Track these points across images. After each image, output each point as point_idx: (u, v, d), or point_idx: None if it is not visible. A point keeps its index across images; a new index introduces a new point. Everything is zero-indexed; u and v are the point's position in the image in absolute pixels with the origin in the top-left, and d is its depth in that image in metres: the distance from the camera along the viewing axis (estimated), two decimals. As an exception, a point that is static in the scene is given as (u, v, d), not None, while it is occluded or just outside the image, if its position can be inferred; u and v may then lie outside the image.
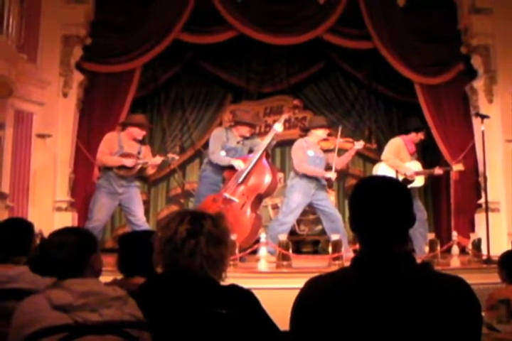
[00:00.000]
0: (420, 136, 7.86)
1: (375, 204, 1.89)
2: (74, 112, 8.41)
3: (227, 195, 7.30)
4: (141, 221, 7.25)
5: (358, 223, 1.93)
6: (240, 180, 7.32)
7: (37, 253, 2.46)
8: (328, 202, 7.77)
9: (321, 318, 1.78)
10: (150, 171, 7.47)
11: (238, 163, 7.35)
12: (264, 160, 7.45)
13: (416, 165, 7.77)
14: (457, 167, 7.97)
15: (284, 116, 7.73)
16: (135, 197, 7.34)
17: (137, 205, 7.34)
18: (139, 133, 7.39)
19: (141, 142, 7.57)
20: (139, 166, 7.23)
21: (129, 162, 7.15)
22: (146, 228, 6.97)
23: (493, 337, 3.00)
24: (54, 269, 2.41)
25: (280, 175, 10.04)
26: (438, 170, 7.86)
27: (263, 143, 7.48)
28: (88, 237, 2.56)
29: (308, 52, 9.90)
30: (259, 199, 7.54)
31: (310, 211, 8.43)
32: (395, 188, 1.94)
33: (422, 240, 7.38)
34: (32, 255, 2.50)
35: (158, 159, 7.31)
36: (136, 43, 8.63)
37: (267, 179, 7.36)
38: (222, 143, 7.54)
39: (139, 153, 7.34)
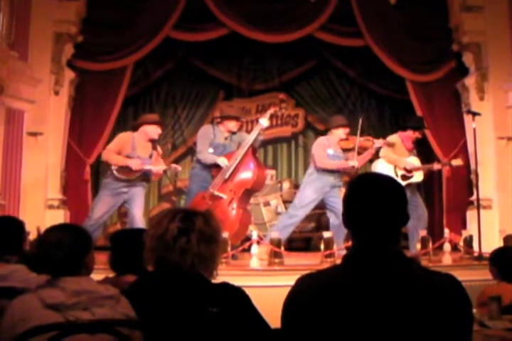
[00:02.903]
0: (417, 134, 7.80)
1: (369, 202, 1.88)
2: (65, 110, 8.39)
3: (214, 191, 7.30)
4: (137, 219, 7.12)
5: (352, 220, 1.93)
6: (227, 176, 7.32)
7: (34, 250, 2.46)
8: (339, 200, 7.76)
9: (312, 315, 1.78)
10: (152, 178, 7.32)
11: (222, 161, 7.34)
12: (250, 155, 7.43)
13: (414, 161, 7.75)
14: (456, 162, 7.91)
15: (270, 111, 7.68)
16: (137, 196, 7.08)
17: (137, 204, 7.13)
18: (155, 131, 7.14)
19: (153, 146, 7.24)
20: (140, 173, 6.99)
21: (134, 164, 6.87)
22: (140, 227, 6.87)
23: (484, 334, 3.01)
24: (51, 267, 2.41)
25: (272, 172, 10.05)
26: (437, 165, 7.85)
27: (248, 138, 7.46)
28: (85, 236, 2.56)
29: (300, 50, 9.88)
30: (247, 194, 7.53)
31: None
32: (391, 186, 1.94)
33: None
34: (29, 252, 2.49)
35: (161, 168, 7.05)
36: (127, 41, 8.60)
37: (254, 174, 7.35)
38: (210, 140, 7.52)
39: (150, 156, 7.12)
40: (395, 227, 1.90)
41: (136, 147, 7.04)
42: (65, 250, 2.42)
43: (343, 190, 8.77)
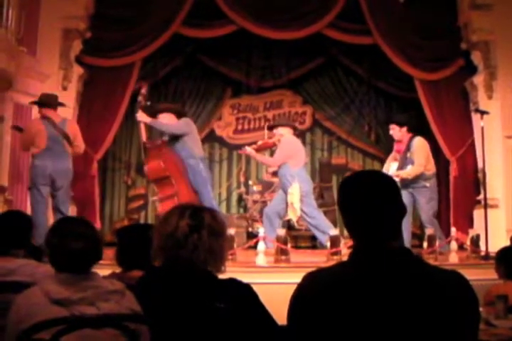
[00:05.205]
0: (391, 131, 7.64)
1: (363, 199, 1.87)
2: (73, 106, 8.40)
3: (152, 198, 7.48)
4: None
5: (349, 218, 1.92)
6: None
7: (52, 243, 2.45)
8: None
9: (319, 312, 1.78)
10: None
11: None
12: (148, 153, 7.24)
13: (389, 166, 7.70)
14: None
15: (144, 91, 7.47)
16: None
17: None
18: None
19: None
20: None
21: None
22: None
23: (490, 333, 3.01)
24: (70, 258, 2.41)
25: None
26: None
27: None
28: (97, 230, 2.58)
29: (308, 47, 9.88)
30: (161, 184, 7.20)
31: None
32: (381, 180, 1.93)
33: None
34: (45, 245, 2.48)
35: None
36: (136, 37, 8.62)
37: (147, 168, 7.17)
38: None
39: None
40: (393, 221, 1.89)
41: None
42: (85, 241, 2.42)
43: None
